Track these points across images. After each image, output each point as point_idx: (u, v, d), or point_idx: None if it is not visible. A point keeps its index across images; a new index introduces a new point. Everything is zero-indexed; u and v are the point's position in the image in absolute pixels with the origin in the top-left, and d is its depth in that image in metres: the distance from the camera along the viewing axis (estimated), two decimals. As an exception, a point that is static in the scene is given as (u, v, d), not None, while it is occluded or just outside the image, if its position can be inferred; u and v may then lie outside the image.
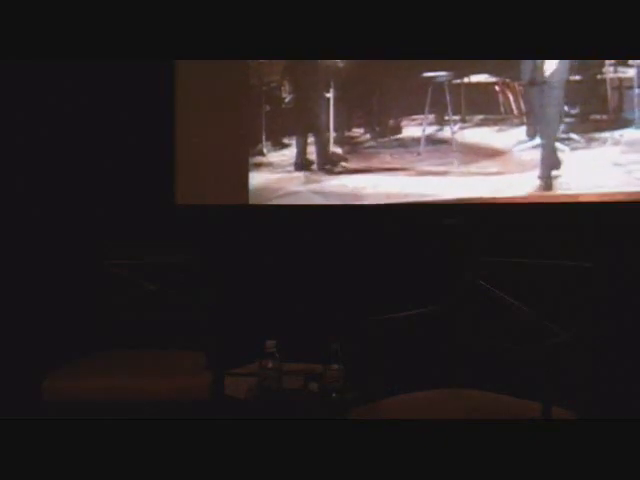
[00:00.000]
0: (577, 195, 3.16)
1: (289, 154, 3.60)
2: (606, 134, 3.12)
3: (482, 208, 3.15)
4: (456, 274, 2.42)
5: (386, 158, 3.50)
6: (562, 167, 3.19)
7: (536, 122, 3.25)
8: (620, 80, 3.11)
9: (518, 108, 3.33)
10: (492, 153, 3.33)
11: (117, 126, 3.36)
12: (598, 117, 3.16)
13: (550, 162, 3.21)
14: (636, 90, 3.11)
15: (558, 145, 3.20)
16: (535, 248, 2.64)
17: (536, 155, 3.24)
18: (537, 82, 3.26)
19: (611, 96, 3.14)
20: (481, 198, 3.31)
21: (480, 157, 3.34)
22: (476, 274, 2.36)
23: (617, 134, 3.11)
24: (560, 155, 3.19)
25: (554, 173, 3.19)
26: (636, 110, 3.11)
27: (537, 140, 3.27)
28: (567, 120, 3.22)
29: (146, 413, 2.31)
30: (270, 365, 2.49)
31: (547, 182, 3.22)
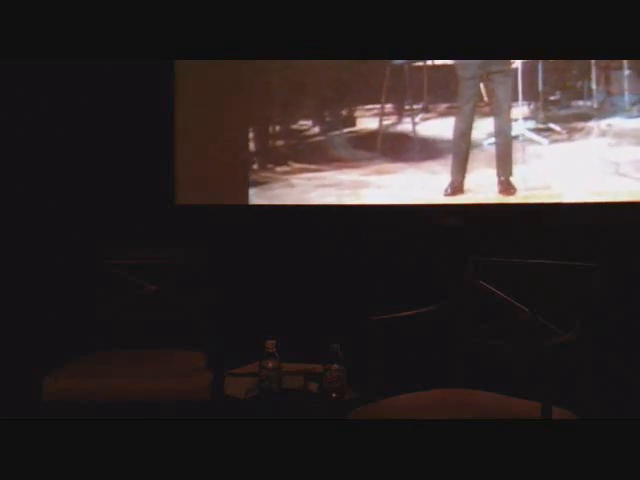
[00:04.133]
0: (558, 194, 2.79)
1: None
2: (591, 124, 2.70)
3: (482, 208, 3.14)
4: (456, 274, 2.42)
5: (338, 154, 3.04)
6: (539, 163, 2.75)
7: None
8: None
9: (489, 95, 2.87)
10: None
11: (117, 126, 3.35)
12: (581, 103, 2.71)
13: (502, 161, 2.80)
14: (626, 71, 2.65)
15: (533, 136, 2.78)
16: (535, 248, 2.64)
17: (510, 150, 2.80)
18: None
19: (597, 78, 2.68)
20: (447, 202, 2.89)
21: (445, 153, 2.90)
22: (476, 274, 2.36)
23: (604, 124, 2.68)
24: (523, 153, 2.76)
25: (524, 171, 2.76)
26: (626, 95, 2.66)
27: (512, 132, 2.81)
28: (549, 108, 2.75)
29: (146, 413, 2.31)
30: (270, 365, 2.49)
31: (504, 184, 2.81)
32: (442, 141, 2.92)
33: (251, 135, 3.21)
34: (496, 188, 2.90)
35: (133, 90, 3.35)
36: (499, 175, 2.88)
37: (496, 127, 2.90)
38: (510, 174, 2.87)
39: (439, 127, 2.92)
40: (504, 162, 2.88)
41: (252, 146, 3.26)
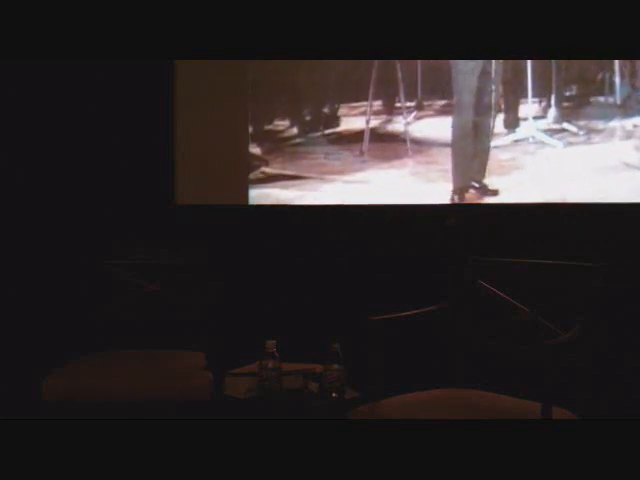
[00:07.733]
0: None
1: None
2: (614, 123, 2.34)
3: (482, 208, 3.13)
4: (456, 274, 2.42)
5: (319, 159, 2.78)
6: (552, 170, 2.45)
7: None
8: (632, 49, 2.27)
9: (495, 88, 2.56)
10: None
11: (117, 126, 3.35)
12: (602, 100, 2.34)
13: (477, 166, 2.53)
14: None
15: (545, 138, 2.47)
16: (535, 248, 2.64)
17: (515, 153, 2.47)
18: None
19: (620, 70, 2.31)
20: (446, 202, 2.66)
21: (442, 157, 2.60)
22: (476, 274, 2.35)
23: (629, 123, 2.32)
24: (533, 157, 2.44)
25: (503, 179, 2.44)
26: None
27: (518, 134, 2.49)
28: (564, 104, 2.39)
29: (146, 413, 2.31)
30: (270, 365, 2.49)
31: (481, 190, 2.56)
32: (439, 144, 2.61)
33: (251, 135, 3.19)
34: (500, 197, 2.65)
35: (133, 90, 3.35)
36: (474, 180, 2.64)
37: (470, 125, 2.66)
38: (483, 179, 2.63)
39: (435, 127, 2.60)
40: (481, 167, 2.63)
41: (252, 146, 3.24)
